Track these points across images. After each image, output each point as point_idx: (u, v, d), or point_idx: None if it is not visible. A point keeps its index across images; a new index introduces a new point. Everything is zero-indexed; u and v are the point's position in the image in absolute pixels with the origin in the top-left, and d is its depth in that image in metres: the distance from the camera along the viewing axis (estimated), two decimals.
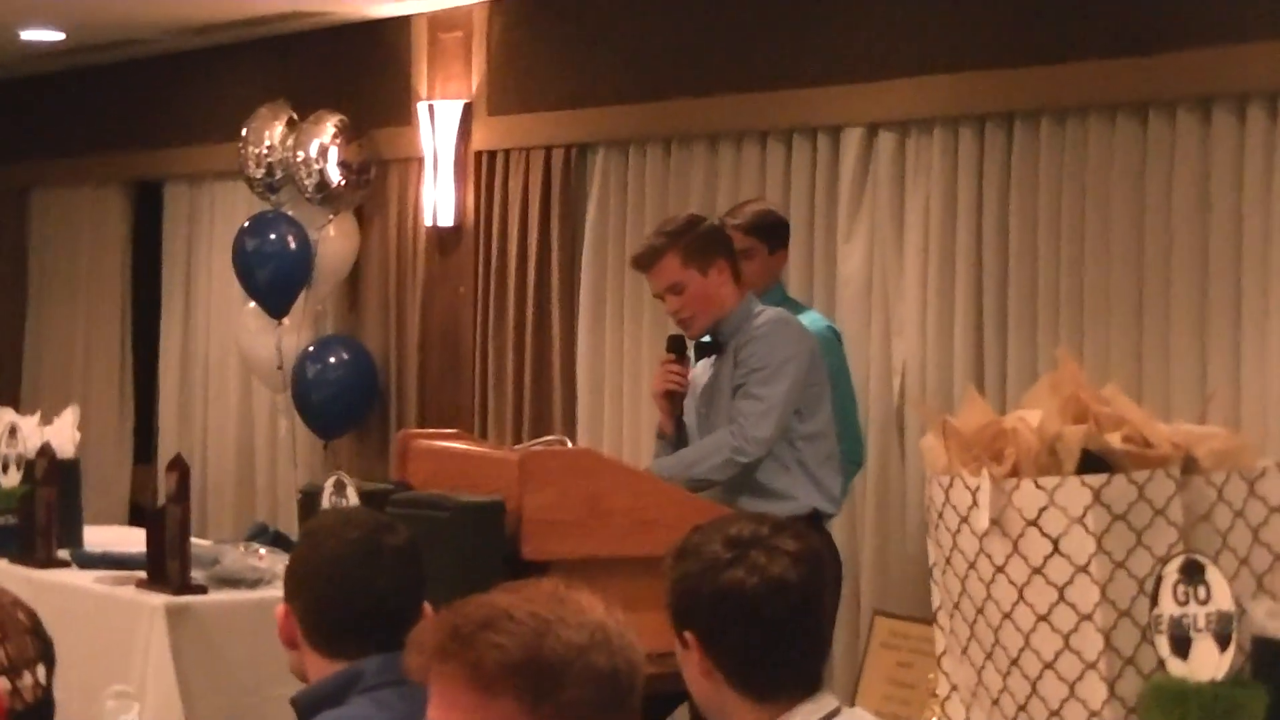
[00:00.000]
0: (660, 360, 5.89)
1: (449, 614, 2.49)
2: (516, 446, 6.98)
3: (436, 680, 2.46)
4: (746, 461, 5.38)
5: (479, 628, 2.43)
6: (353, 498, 6.08)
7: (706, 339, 5.91)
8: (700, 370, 5.76)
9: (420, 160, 8.49)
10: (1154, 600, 3.30)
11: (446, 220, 8.46)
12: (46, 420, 7.33)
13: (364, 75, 8.91)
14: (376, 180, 8.90)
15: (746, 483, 5.45)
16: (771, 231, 6.27)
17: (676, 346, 5.89)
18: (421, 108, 8.42)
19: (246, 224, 8.95)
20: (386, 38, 8.75)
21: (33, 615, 4.57)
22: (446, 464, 6.43)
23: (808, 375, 5.55)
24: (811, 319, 6.06)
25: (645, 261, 5.69)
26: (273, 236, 8.90)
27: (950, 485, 3.56)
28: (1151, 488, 3.36)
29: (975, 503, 3.49)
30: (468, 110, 8.32)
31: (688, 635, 2.82)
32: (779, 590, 2.99)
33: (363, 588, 3.60)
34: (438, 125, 8.36)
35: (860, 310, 6.59)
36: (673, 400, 5.77)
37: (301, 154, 8.79)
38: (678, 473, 5.44)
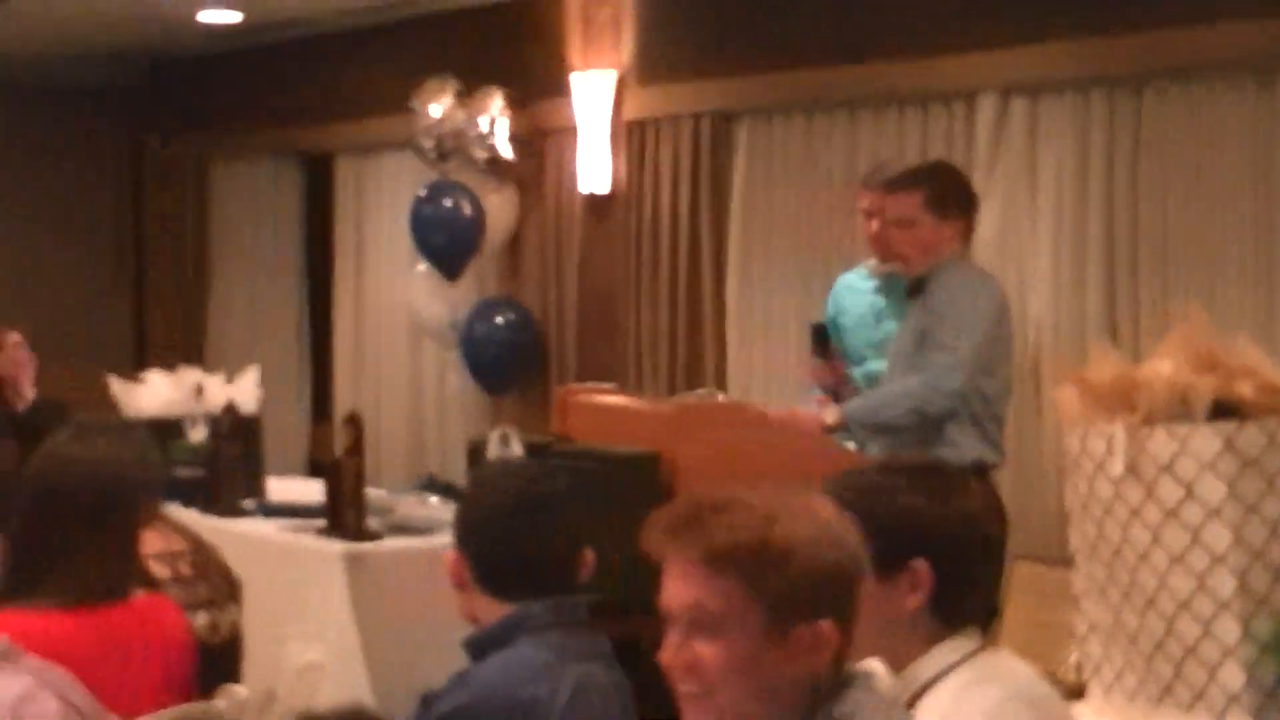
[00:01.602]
0: (809, 357, 5.89)
1: (688, 497, 2.54)
2: (670, 400, 7.02)
3: (671, 556, 2.50)
4: (933, 413, 5.31)
5: (714, 510, 2.46)
6: (517, 449, 6.20)
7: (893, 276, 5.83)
8: (872, 302, 5.70)
9: (574, 130, 8.43)
10: None
11: (601, 188, 8.44)
12: (230, 380, 7.56)
13: (521, 49, 8.87)
14: (534, 151, 8.86)
15: (921, 427, 5.37)
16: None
17: (819, 338, 5.84)
18: (575, 79, 8.39)
19: (423, 192, 9.01)
20: (541, 13, 8.72)
21: (223, 560, 4.80)
22: (604, 417, 6.50)
23: (997, 329, 5.46)
24: None
25: (892, 185, 5.56)
26: (448, 203, 8.97)
27: (1085, 434, 3.58)
28: None
29: (1110, 450, 3.49)
30: (619, 81, 8.27)
31: (916, 563, 2.75)
32: (991, 518, 2.97)
33: (527, 535, 3.60)
34: (591, 96, 8.32)
35: (996, 268, 6.50)
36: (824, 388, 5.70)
37: (473, 126, 8.77)
38: (865, 416, 5.40)
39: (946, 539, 2.81)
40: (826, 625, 2.41)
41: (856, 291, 6.28)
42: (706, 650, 2.43)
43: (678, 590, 2.49)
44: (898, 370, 5.61)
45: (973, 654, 2.81)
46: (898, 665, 2.82)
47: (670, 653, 2.48)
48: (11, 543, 3.77)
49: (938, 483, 2.92)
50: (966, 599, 2.86)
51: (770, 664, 2.43)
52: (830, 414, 5.59)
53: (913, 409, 5.30)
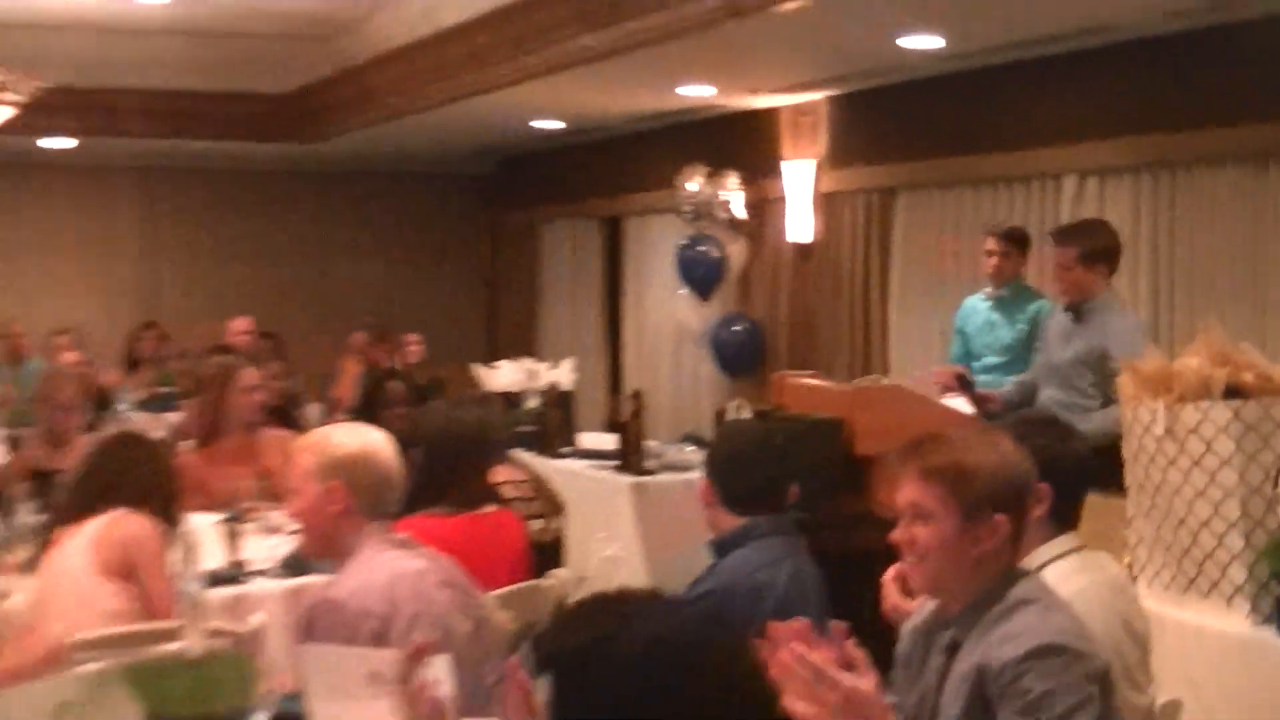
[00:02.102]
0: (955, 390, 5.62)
1: (913, 437, 2.61)
2: (850, 383, 6.97)
3: (903, 470, 2.56)
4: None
5: (929, 441, 2.55)
6: (747, 414, 6.33)
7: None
8: (1054, 325, 5.37)
9: (785, 199, 8.53)
10: (1275, 482, 3.40)
11: (804, 239, 8.46)
12: (554, 366, 7.65)
13: (750, 144, 8.88)
14: (759, 213, 8.95)
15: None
16: (1020, 240, 6.21)
17: (965, 384, 5.67)
18: (786, 165, 8.44)
19: (684, 241, 9.08)
20: (764, 119, 8.71)
21: (551, 486, 5.13)
22: (806, 395, 6.53)
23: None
24: (1040, 304, 5.98)
25: (1057, 239, 5.31)
26: (701, 249, 9.01)
27: (1137, 408, 3.63)
28: (1275, 410, 3.46)
29: (1154, 419, 3.55)
30: (818, 166, 8.34)
31: (1043, 486, 2.68)
32: (1091, 457, 3.00)
33: (756, 469, 3.63)
34: (797, 176, 8.38)
35: None
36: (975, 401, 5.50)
37: (717, 197, 8.81)
38: (1095, 426, 4.66)
39: (1063, 469, 2.83)
40: (1001, 519, 2.45)
41: (977, 310, 6.25)
42: (921, 532, 2.49)
43: (905, 493, 2.54)
44: (1043, 371, 5.47)
45: (1074, 550, 2.83)
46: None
47: (899, 533, 2.54)
48: (414, 472, 3.74)
49: (1057, 431, 2.96)
50: (1072, 511, 2.88)
51: (964, 544, 2.48)
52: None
53: (1113, 425, 4.66)
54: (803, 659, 2.12)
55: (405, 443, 3.58)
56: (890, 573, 3.04)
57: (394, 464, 3.33)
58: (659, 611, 1.82)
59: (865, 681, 2.15)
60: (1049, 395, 5.38)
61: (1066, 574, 2.80)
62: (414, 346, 9.89)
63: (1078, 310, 5.23)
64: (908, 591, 2.95)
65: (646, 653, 1.73)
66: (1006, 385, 5.75)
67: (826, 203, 8.34)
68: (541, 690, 1.79)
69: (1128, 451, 3.69)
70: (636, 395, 6.90)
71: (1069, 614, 2.49)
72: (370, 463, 3.29)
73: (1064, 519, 2.88)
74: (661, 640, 1.74)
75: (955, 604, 2.50)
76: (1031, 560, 2.75)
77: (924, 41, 6.64)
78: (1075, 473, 2.93)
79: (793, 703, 2.10)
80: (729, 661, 1.77)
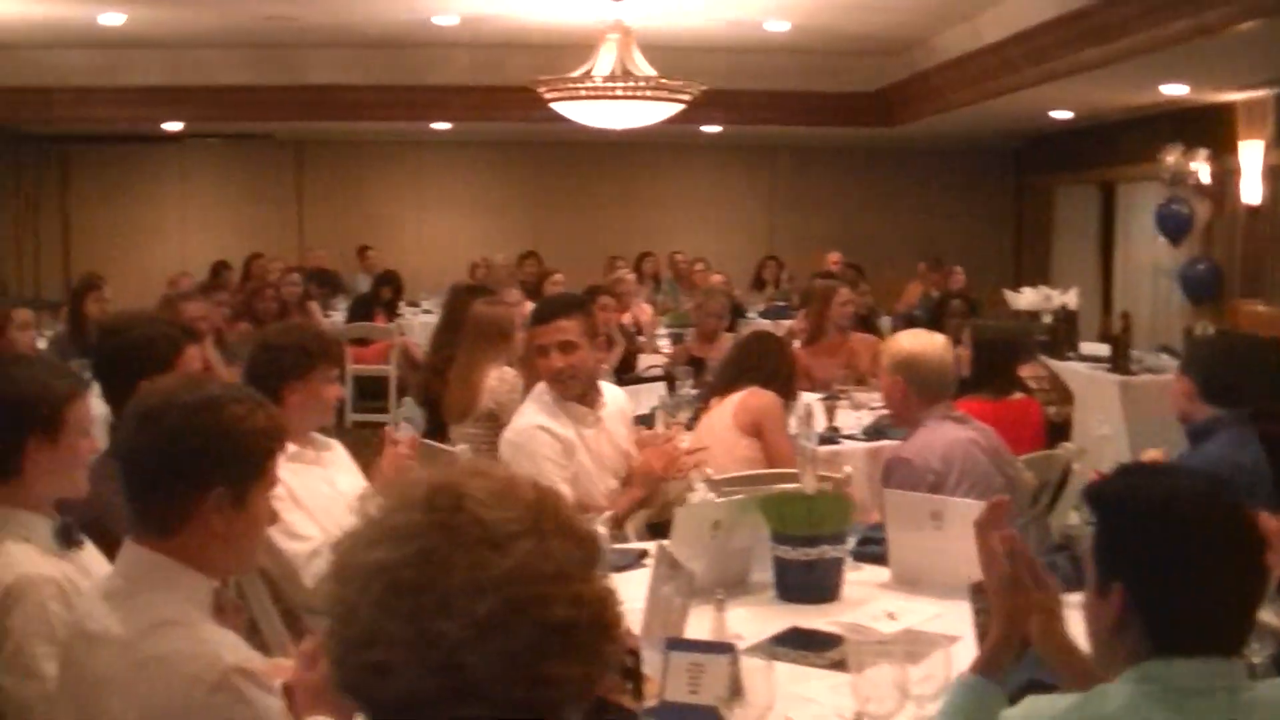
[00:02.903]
0: None
1: None
2: None
3: None
4: None
5: None
6: (1210, 332, 6.56)
7: None
8: None
9: (1240, 171, 8.89)
10: None
11: (1255, 201, 8.78)
12: (1063, 293, 7.79)
13: (1214, 128, 9.07)
14: (1220, 181, 9.15)
15: None
16: None
17: None
18: (1242, 144, 8.88)
19: (1162, 201, 9.44)
20: (1225, 110, 9.00)
21: (1064, 381, 4.94)
22: (1256, 318, 7.14)
23: None
24: None
25: None
26: (1175, 208, 9.33)
27: None
28: None
29: None
30: (1266, 145, 8.68)
31: None
32: None
33: (1228, 372, 3.52)
34: (1250, 153, 8.81)
35: None
36: None
37: (1190, 169, 9.17)
38: None
39: None
40: None
41: None
42: None
43: None
44: None
45: None
46: None
47: None
48: (966, 366, 3.77)
49: None
50: None
51: None
52: None
53: None
54: (1270, 518, 2.08)
55: (957, 343, 3.68)
56: None
57: (948, 360, 3.47)
58: (1178, 473, 1.74)
59: None
60: None
61: None
62: (959, 275, 10.56)
63: None
64: None
65: (1168, 498, 1.67)
66: None
67: (1272, 174, 8.71)
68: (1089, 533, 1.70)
69: None
70: (1125, 316, 7.29)
71: None
72: (927, 360, 3.43)
73: None
74: (1177, 492, 1.67)
75: None
76: None
77: None
78: None
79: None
80: (1232, 513, 1.66)
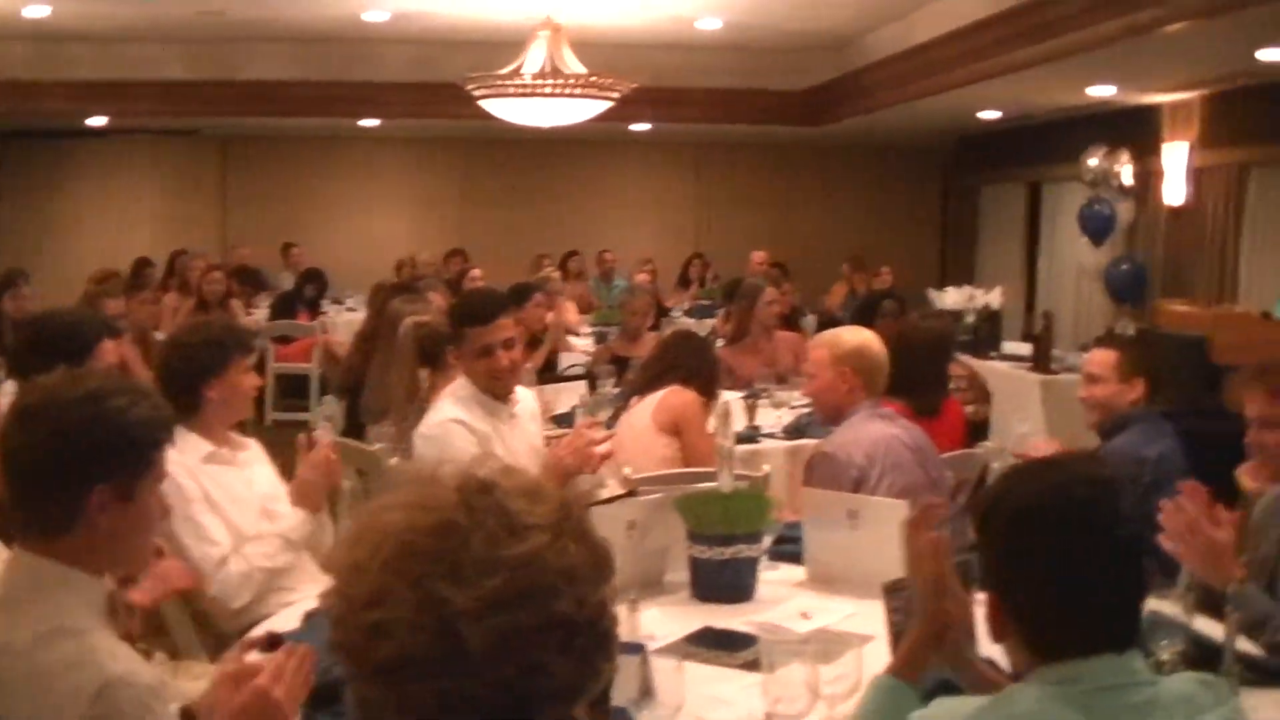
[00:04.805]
0: None
1: (1260, 362, 2.57)
2: (1213, 309, 7.29)
3: (1252, 392, 2.54)
4: None
5: (1274, 366, 2.56)
6: (1131, 331, 6.88)
7: None
8: None
9: (1163, 173, 8.96)
10: None
11: (1177, 203, 8.90)
12: (986, 292, 8.01)
13: (1138, 129, 9.17)
14: (1143, 182, 9.21)
15: None
16: None
17: None
18: (1165, 146, 8.97)
19: (1085, 202, 9.34)
20: (1150, 112, 9.13)
21: (982, 378, 4.96)
22: (1177, 317, 7.02)
23: None
24: None
25: None
26: (1097, 209, 9.26)
27: None
28: None
29: None
30: (1190, 148, 8.84)
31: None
32: None
33: (1154, 362, 3.60)
34: (1174, 155, 8.89)
35: None
36: None
37: (1112, 171, 9.11)
38: None
39: None
40: None
41: None
42: (1270, 437, 2.54)
43: (1254, 407, 2.53)
44: None
45: None
46: None
47: (1250, 436, 2.57)
48: (897, 378, 3.66)
49: None
50: None
51: None
52: None
53: None
54: (1183, 509, 2.21)
55: (889, 344, 3.60)
56: (1242, 468, 3.06)
57: (884, 356, 3.51)
58: (1050, 477, 1.68)
59: (1223, 535, 2.23)
60: None
61: None
62: (886, 275, 10.54)
63: None
64: (1257, 481, 2.90)
65: (1027, 507, 1.65)
66: None
67: (1197, 175, 8.78)
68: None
69: None
70: (1046, 315, 7.40)
71: None
72: (873, 352, 3.48)
73: None
74: (1040, 500, 1.64)
75: None
76: None
77: (1278, 54, 6.76)
78: None
79: (1165, 541, 2.20)
80: (1098, 513, 1.63)
